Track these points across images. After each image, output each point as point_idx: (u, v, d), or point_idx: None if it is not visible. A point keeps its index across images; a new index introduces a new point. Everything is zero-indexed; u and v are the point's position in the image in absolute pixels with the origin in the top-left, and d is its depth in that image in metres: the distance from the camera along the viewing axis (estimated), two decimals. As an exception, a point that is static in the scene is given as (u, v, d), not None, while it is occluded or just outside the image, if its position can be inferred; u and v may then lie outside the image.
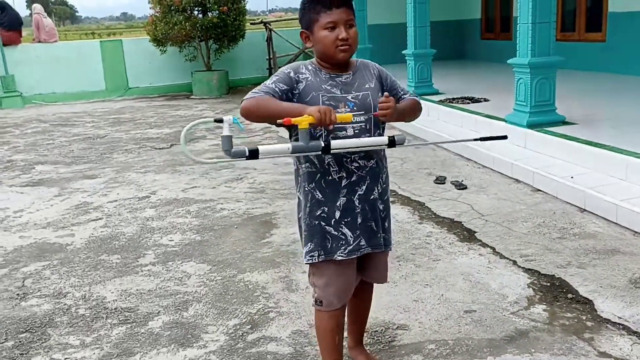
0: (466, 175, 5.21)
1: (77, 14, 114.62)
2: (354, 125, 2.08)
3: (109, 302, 3.17)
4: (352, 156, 2.10)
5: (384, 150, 2.20)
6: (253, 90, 2.08)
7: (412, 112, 2.23)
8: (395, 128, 6.72)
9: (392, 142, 2.08)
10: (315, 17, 2.07)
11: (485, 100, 7.37)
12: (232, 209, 4.64)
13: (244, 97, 2.07)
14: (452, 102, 7.37)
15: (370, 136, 2.10)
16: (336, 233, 2.14)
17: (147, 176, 5.84)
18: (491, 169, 5.34)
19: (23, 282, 3.48)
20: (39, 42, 12.91)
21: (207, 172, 5.85)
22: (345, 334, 2.46)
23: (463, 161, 5.71)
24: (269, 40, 13.70)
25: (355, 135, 2.08)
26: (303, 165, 2.16)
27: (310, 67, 2.14)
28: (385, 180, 2.25)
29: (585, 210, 4.15)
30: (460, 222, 4.10)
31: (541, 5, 5.24)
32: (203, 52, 12.51)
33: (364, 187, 2.14)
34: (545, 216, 4.11)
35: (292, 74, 2.10)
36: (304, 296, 3.09)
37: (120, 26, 72.89)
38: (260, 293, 3.18)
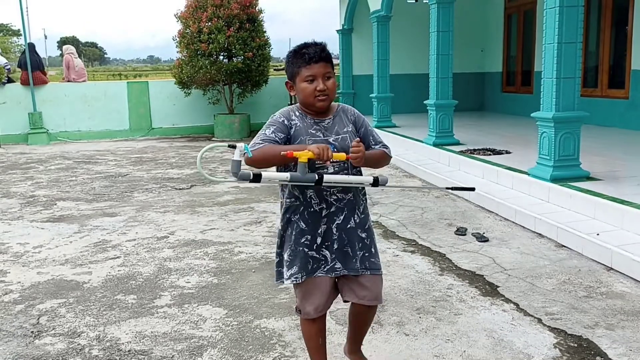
0: (488, 228, 5.13)
1: (105, 55, 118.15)
2: (334, 163, 2.34)
3: (123, 343, 3.11)
4: (332, 190, 2.36)
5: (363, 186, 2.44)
6: (255, 142, 2.30)
7: (377, 161, 2.46)
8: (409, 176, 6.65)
9: (375, 182, 2.35)
10: (297, 71, 2.34)
11: (507, 152, 7.33)
12: (250, 253, 4.60)
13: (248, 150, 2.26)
14: (473, 153, 7.35)
15: (347, 174, 2.35)
16: (317, 255, 2.40)
17: (166, 216, 5.85)
18: (513, 222, 5.26)
19: (38, 319, 3.45)
20: (68, 81, 13.28)
21: (225, 214, 5.85)
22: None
23: (484, 213, 5.64)
24: (292, 86, 13.91)
25: (335, 173, 2.33)
26: (288, 200, 2.40)
27: (297, 113, 2.40)
28: (364, 211, 2.48)
29: (611, 268, 4.04)
30: (482, 275, 4.01)
31: (566, 61, 5.27)
32: (226, 96, 12.75)
33: (341, 217, 2.39)
34: (571, 273, 4.00)
35: (285, 122, 2.37)
36: (322, 346, 3.01)
37: (147, 68, 74.87)
38: (276, 341, 3.11)
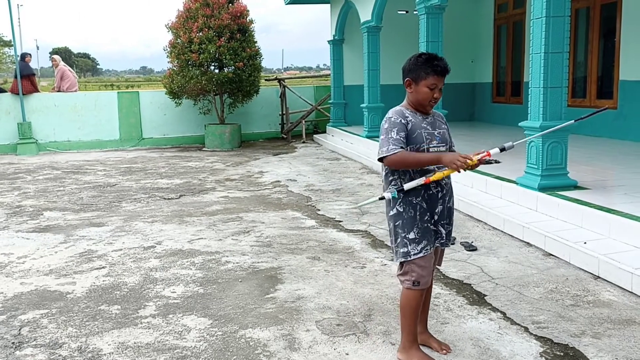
0: (476, 237, 5.13)
1: (98, 66, 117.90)
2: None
3: (104, 354, 3.07)
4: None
5: None
6: (390, 148, 2.70)
7: None
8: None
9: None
10: (424, 76, 2.76)
11: (496, 162, 7.29)
12: (237, 262, 4.57)
13: (386, 153, 2.70)
14: (463, 163, 7.34)
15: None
16: (436, 229, 2.89)
17: (154, 226, 5.80)
18: (501, 231, 5.25)
19: (19, 330, 3.39)
20: (59, 91, 13.22)
21: (214, 223, 5.81)
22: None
23: (473, 222, 5.64)
24: (283, 96, 13.95)
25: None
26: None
27: (409, 111, 2.83)
28: None
29: (599, 277, 4.03)
30: (470, 284, 3.99)
31: (552, 70, 5.30)
32: (217, 106, 12.73)
33: (447, 198, 2.89)
34: (558, 282, 4.00)
35: (402, 121, 2.78)
36: (307, 355, 2.98)
37: (139, 79, 74.82)
38: (261, 351, 3.07)
